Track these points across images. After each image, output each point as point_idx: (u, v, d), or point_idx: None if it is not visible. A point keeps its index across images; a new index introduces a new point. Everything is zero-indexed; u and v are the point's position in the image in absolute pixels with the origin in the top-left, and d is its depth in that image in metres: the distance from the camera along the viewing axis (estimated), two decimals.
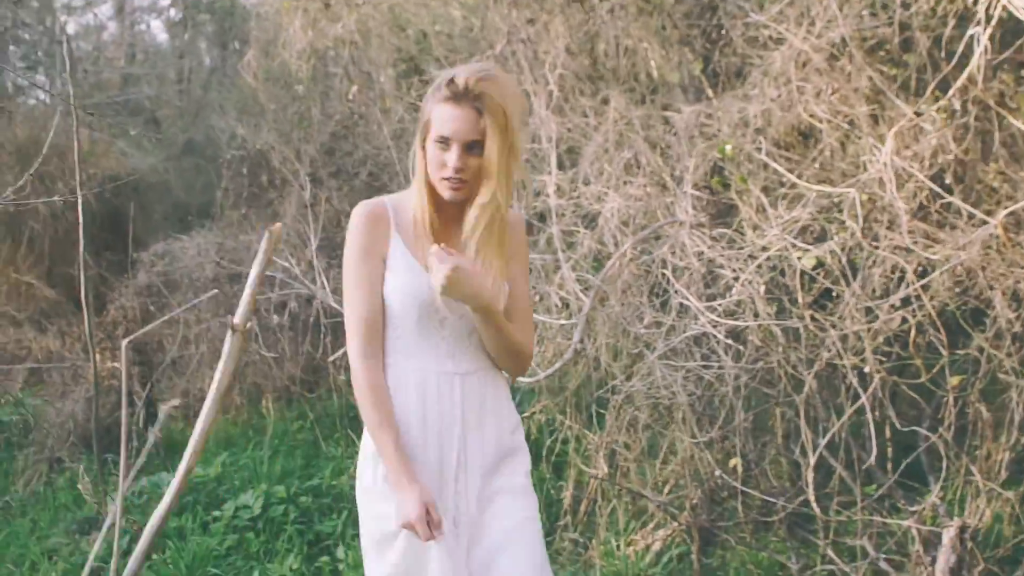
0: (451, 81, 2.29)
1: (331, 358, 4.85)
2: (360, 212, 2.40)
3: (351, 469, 4.91)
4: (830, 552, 4.01)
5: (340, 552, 4.22)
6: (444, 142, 2.28)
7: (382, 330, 2.39)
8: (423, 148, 2.34)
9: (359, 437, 4.97)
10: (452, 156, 2.27)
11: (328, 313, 4.88)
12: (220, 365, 1.85)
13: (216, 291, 5.02)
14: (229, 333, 1.48)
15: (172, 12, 14.61)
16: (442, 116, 2.28)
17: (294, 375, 5.31)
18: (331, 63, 5.70)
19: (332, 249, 5.03)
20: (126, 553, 4.39)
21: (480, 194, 2.33)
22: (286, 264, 4.73)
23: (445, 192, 2.32)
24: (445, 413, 2.41)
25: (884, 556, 3.99)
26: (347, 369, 5.36)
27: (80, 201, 4.30)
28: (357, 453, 4.96)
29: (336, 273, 4.83)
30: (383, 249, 2.38)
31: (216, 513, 4.53)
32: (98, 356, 5.58)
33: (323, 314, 4.96)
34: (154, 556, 4.29)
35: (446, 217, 2.40)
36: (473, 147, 2.29)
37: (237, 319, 1.40)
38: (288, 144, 5.51)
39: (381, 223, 2.39)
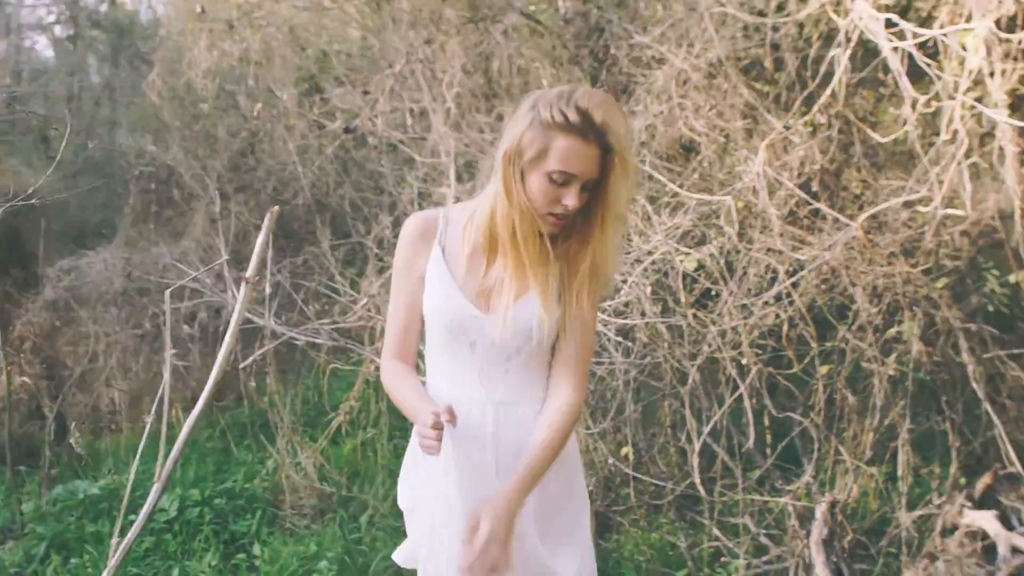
0: (579, 111, 2.10)
1: (241, 365, 5.06)
2: (408, 225, 2.34)
3: (262, 472, 5.11)
4: (716, 530, 4.36)
5: (256, 549, 4.42)
6: (565, 178, 2.12)
7: (414, 341, 2.36)
8: (521, 171, 2.16)
9: (270, 442, 5.19)
10: (571, 194, 2.13)
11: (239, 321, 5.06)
12: (233, 317, 1.87)
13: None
14: (243, 285, 1.65)
15: (58, 29, 14.46)
16: (566, 151, 2.10)
17: (203, 383, 5.45)
18: (235, 82, 5.89)
19: (240, 261, 5.23)
20: (43, 559, 4.55)
21: (591, 242, 2.21)
22: (197, 275, 4.91)
23: (546, 226, 2.19)
24: (475, 446, 2.26)
25: (764, 531, 4.36)
26: (257, 375, 5.57)
27: None
28: (268, 458, 5.19)
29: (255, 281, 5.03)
30: (422, 264, 2.30)
31: (132, 517, 4.67)
32: (7, 371, 5.68)
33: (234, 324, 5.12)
34: (73, 560, 4.43)
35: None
36: (587, 184, 2.16)
37: (249, 273, 1.59)
38: (195, 160, 5.69)
39: (427, 236, 2.31)
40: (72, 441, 4.54)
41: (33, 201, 4.78)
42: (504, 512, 2.12)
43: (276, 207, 1.87)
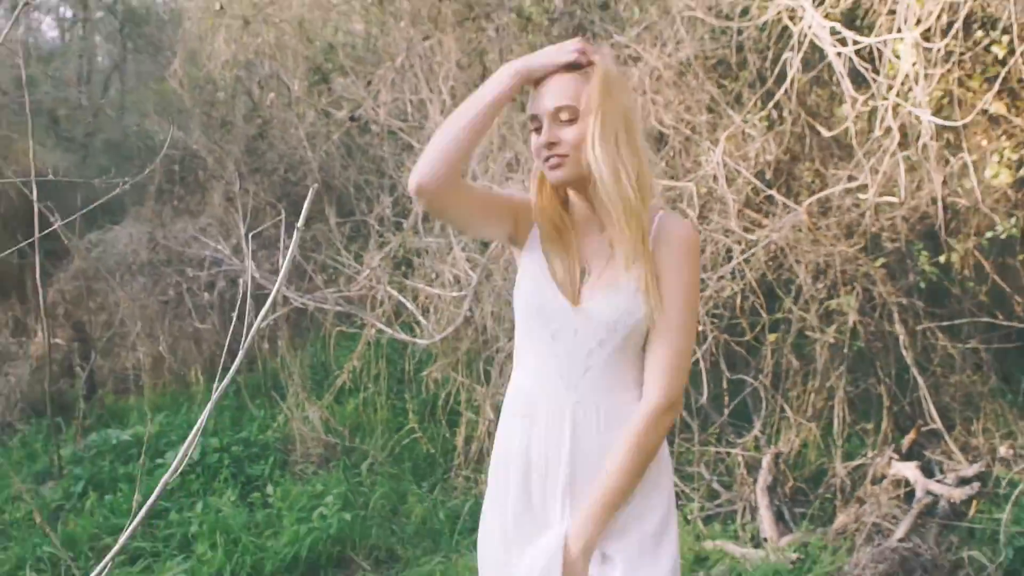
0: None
1: (256, 327, 5.58)
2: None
3: (274, 425, 5.69)
4: (674, 477, 4.93)
5: (269, 489, 5.01)
6: (535, 122, 2.07)
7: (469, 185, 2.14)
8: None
9: (282, 398, 5.75)
10: (543, 130, 2.04)
11: (253, 289, 5.65)
12: (284, 264, 1.97)
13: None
14: (295, 231, 1.78)
15: (62, 10, 14.84)
16: (529, 97, 2.08)
17: (221, 345, 6.04)
18: (249, 73, 6.43)
19: (256, 235, 5.78)
20: (80, 496, 5.13)
21: (597, 174, 2.01)
22: (217, 247, 5.49)
23: (550, 177, 2.08)
24: (551, 447, 2.12)
25: (716, 479, 4.93)
26: (270, 339, 6.12)
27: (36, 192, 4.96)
28: (279, 413, 5.76)
29: (265, 254, 5.63)
30: (524, 231, 2.20)
31: (159, 461, 5.27)
32: (41, 334, 6.26)
33: (249, 290, 5.70)
34: (107, 496, 5.02)
35: (576, 218, 2.16)
36: (562, 112, 2.03)
37: (300, 223, 1.73)
38: (215, 144, 6.24)
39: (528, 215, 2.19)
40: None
41: (61, 178, 5.32)
42: (577, 556, 2.04)
43: (316, 184, 2.10)
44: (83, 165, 10.64)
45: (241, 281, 5.77)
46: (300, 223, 1.80)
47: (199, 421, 2.15)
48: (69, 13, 14.82)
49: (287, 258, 1.87)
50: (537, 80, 2.06)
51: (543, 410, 2.13)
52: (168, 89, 7.10)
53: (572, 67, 2.02)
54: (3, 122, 9.76)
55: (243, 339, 2.35)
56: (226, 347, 2.92)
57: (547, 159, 2.05)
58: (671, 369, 2.06)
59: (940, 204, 4.64)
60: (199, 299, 6.00)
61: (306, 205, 1.82)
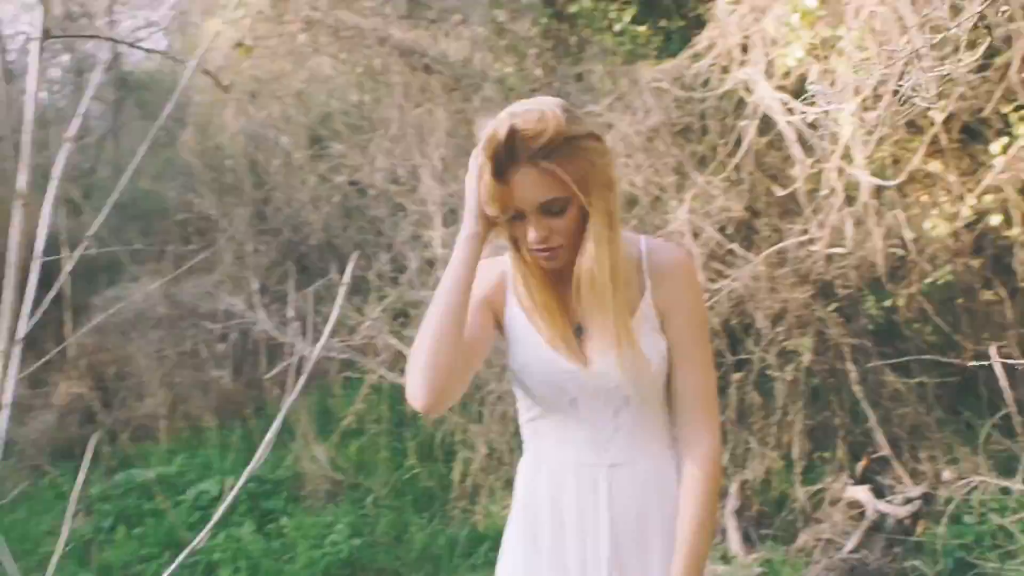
0: (485, 142, 1.86)
1: (266, 376, 6.13)
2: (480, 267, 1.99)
3: (285, 463, 6.17)
4: None
5: (284, 520, 5.48)
6: (515, 214, 1.91)
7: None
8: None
9: (291, 439, 6.22)
10: (529, 227, 1.89)
11: (266, 340, 6.17)
12: (332, 316, 1.91)
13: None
14: (341, 288, 1.95)
15: (50, 72, 15.13)
16: (492, 190, 1.88)
17: (235, 391, 6.53)
18: (255, 142, 6.98)
19: (263, 292, 6.30)
20: (110, 530, 5.59)
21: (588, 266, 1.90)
22: (231, 302, 6.01)
23: (546, 265, 1.97)
24: (587, 517, 2.03)
25: None
26: (280, 384, 6.61)
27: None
28: (289, 453, 6.23)
29: (277, 307, 6.14)
30: (498, 306, 2.08)
31: (181, 497, 5.73)
32: (64, 384, 6.76)
33: (261, 341, 6.24)
34: (135, 530, 5.48)
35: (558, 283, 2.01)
36: (553, 205, 1.87)
37: (345, 278, 1.88)
38: (225, 207, 6.77)
39: (502, 283, 2.09)
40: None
41: (90, 249, 5.82)
42: None
43: (356, 253, 2.25)
44: (87, 226, 11.11)
45: (251, 332, 6.29)
46: (345, 279, 1.96)
47: (269, 432, 2.52)
48: (57, 74, 15.18)
49: (334, 311, 1.95)
50: (490, 181, 1.86)
51: (572, 479, 2.04)
52: (174, 155, 7.64)
53: (495, 163, 1.84)
54: None
55: (294, 382, 2.57)
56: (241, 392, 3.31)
57: (540, 251, 1.91)
58: (710, 407, 2.00)
59: (881, 255, 5.19)
60: (213, 350, 6.50)
61: (349, 267, 2.12)
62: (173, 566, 2.87)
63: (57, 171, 1.99)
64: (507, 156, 1.82)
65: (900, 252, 5.48)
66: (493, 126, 1.87)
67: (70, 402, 6.46)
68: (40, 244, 2.04)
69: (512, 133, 1.81)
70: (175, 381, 6.56)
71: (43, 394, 6.98)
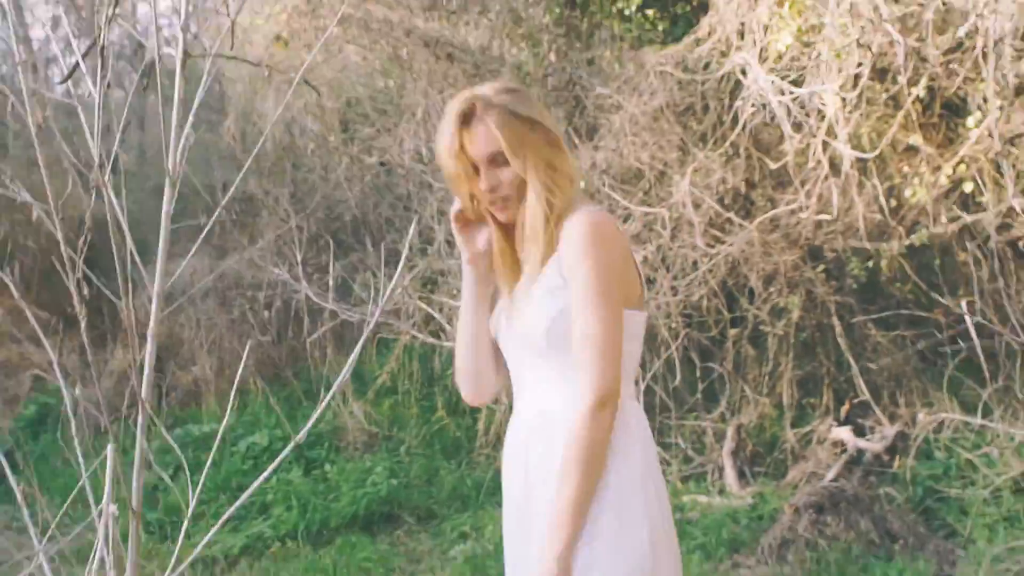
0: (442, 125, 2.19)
1: (309, 339, 6.79)
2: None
3: (326, 418, 6.82)
4: (657, 447, 6.05)
5: (327, 467, 6.14)
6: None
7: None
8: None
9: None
10: (481, 177, 2.14)
11: (309, 307, 6.83)
12: (394, 283, 2.25)
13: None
14: (402, 259, 2.13)
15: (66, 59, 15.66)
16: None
17: (277, 355, 7.19)
18: (291, 127, 7.62)
19: (304, 263, 6.95)
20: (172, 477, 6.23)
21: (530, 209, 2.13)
22: (277, 272, 6.64)
23: (498, 216, 2.20)
24: (518, 466, 2.19)
25: (690, 447, 6.07)
26: (320, 347, 7.27)
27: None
28: (328, 409, 6.88)
29: (318, 277, 6.79)
30: None
31: (233, 449, 6.40)
32: (121, 350, 7.44)
33: (304, 309, 6.92)
34: (195, 477, 6.14)
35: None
36: (496, 158, 2.12)
37: (405, 251, 2.20)
38: (268, 187, 7.41)
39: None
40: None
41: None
42: (550, 566, 1.96)
43: (417, 216, 2.77)
44: (133, 208, 11.79)
45: (294, 301, 6.94)
46: (405, 251, 2.18)
47: (335, 385, 3.13)
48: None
49: (394, 281, 2.27)
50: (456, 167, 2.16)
51: (513, 430, 2.23)
52: (217, 140, 8.28)
53: (466, 119, 2.14)
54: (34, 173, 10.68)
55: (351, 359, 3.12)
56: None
57: (492, 203, 2.17)
58: (596, 362, 2.01)
59: (861, 220, 5.78)
60: (259, 317, 7.15)
61: (407, 238, 2.78)
62: (238, 502, 3.45)
63: (177, 156, 2.63)
64: (467, 112, 2.14)
65: (879, 217, 6.05)
66: (458, 95, 2.23)
67: (127, 367, 7.10)
68: (166, 222, 2.68)
69: (470, 96, 2.16)
70: (224, 346, 7.21)
71: (102, 360, 7.65)
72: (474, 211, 2.23)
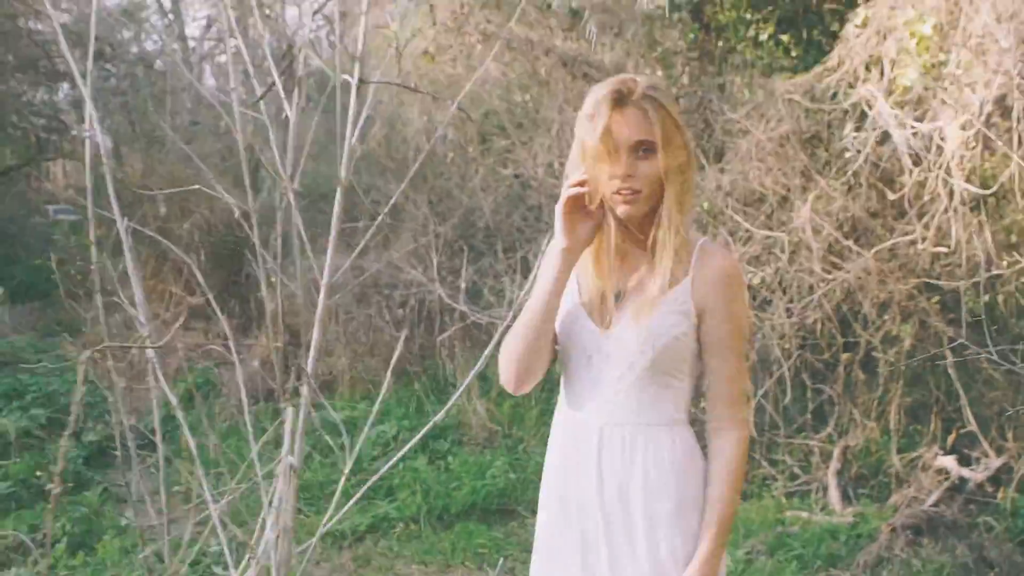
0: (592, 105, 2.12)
1: (439, 338, 7.24)
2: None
3: (452, 411, 7.25)
4: (763, 463, 6.31)
5: (450, 459, 6.56)
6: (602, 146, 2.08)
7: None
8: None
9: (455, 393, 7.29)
10: (619, 162, 2.07)
11: (441, 307, 7.28)
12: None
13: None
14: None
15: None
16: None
17: (410, 352, 7.66)
18: (432, 137, 8.09)
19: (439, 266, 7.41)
20: (308, 457, 6.73)
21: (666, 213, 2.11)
22: (414, 273, 7.11)
23: (618, 210, 2.13)
24: (581, 474, 2.22)
25: (796, 464, 6.30)
26: (448, 346, 7.72)
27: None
28: (454, 405, 7.31)
29: (452, 279, 7.25)
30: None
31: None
32: (263, 339, 8.01)
33: (438, 309, 7.38)
34: (328, 458, 6.64)
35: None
36: (642, 146, 2.08)
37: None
38: (409, 193, 7.89)
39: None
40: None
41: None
42: None
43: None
44: (275, 206, 12.43)
45: (428, 300, 7.41)
46: (536, 260, 2.57)
47: (465, 381, 3.43)
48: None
49: (525, 289, 2.64)
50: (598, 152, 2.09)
51: (572, 436, 2.24)
52: (363, 146, 8.80)
53: (620, 101, 2.08)
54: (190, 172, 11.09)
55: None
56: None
57: (620, 191, 2.10)
58: (740, 396, 2.16)
59: (965, 254, 5.94)
60: (394, 315, 7.63)
61: (543, 246, 3.10)
62: (372, 481, 3.78)
63: (349, 167, 3.05)
64: (623, 94, 2.08)
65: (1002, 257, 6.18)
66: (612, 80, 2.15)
67: (268, 355, 7.65)
68: (336, 223, 3.10)
69: (630, 79, 2.12)
70: (359, 339, 7.72)
71: (246, 348, 8.24)
72: (591, 198, 2.12)
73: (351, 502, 3.50)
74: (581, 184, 2.10)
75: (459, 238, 7.59)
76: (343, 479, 3.00)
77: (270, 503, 2.81)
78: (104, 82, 15.00)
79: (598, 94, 2.11)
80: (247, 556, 2.73)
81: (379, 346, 7.55)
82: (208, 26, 16.88)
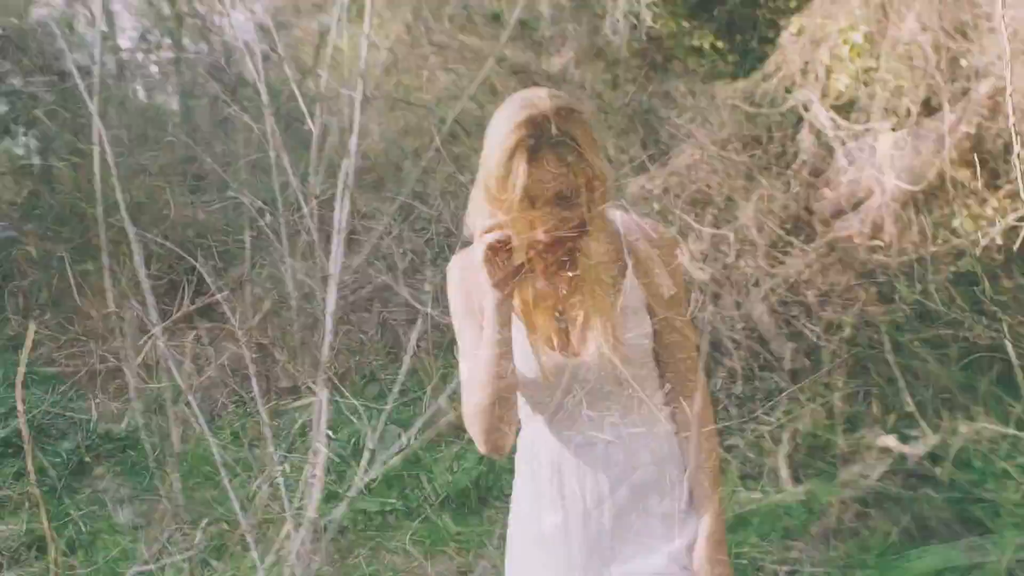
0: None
1: (409, 343, 7.53)
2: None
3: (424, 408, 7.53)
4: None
5: (420, 452, 6.85)
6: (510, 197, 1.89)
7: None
8: None
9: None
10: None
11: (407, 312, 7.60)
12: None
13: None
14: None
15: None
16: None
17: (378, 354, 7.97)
18: (392, 147, 8.39)
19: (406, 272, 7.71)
20: None
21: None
22: (372, 273, 7.40)
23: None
24: (587, 491, 2.13)
25: (749, 448, 6.69)
26: (416, 346, 7.98)
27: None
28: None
29: (418, 283, 7.53)
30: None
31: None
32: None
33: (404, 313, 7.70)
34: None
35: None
36: (563, 194, 1.89)
37: None
38: (367, 200, 8.20)
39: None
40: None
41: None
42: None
43: None
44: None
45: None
46: None
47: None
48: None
49: None
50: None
51: (572, 457, 2.13)
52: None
53: (534, 150, 1.86)
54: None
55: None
56: None
57: (546, 248, 1.94)
58: (697, 370, 2.11)
59: (913, 248, 6.36)
60: (361, 317, 7.91)
61: None
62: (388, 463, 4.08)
63: (350, 179, 3.34)
64: (538, 139, 1.84)
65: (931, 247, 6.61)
66: (525, 101, 1.92)
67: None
68: (341, 229, 3.39)
69: (539, 114, 1.84)
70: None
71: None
72: (516, 252, 1.90)
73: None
74: (499, 230, 1.87)
75: (426, 244, 7.87)
76: (361, 469, 3.31)
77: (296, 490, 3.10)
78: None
79: (508, 138, 1.88)
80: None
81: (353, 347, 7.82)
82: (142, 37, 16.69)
